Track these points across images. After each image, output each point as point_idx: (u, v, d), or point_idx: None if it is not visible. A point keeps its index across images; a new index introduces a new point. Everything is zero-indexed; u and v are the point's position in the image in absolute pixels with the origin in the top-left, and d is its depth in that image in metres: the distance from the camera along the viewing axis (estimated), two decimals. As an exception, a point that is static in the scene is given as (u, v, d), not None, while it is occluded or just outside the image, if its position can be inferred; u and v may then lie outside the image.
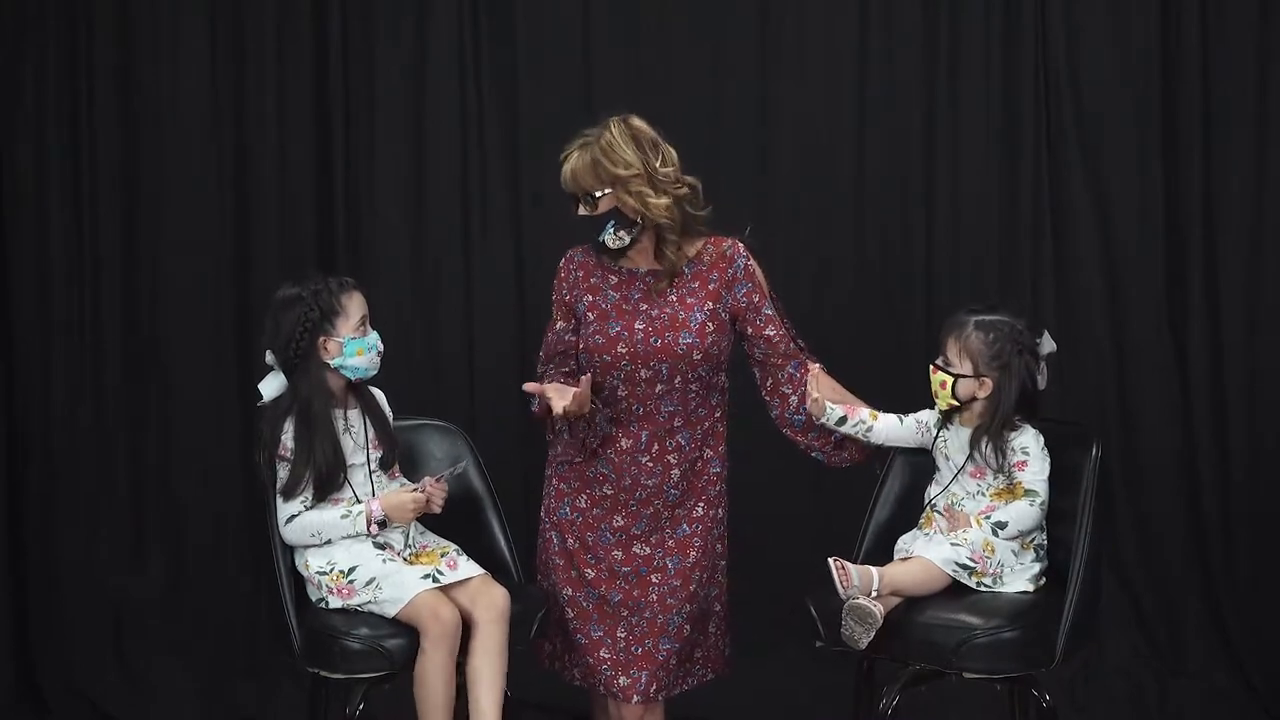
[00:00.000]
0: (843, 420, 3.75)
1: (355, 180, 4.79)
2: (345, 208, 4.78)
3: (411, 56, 4.76)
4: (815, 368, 3.74)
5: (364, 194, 4.79)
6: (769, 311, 3.81)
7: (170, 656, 4.74)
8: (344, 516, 3.68)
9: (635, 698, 3.75)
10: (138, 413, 4.76)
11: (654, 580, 3.78)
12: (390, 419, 3.84)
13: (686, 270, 3.79)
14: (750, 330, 3.81)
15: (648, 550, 3.79)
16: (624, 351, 3.73)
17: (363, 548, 3.69)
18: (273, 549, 3.72)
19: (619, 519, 3.80)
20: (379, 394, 3.85)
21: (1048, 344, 3.72)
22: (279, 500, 3.70)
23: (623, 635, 3.77)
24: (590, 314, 3.78)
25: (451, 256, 4.81)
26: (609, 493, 3.79)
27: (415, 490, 3.71)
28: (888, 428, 3.79)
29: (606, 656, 3.77)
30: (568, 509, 3.83)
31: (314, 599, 3.71)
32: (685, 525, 3.81)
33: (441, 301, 4.82)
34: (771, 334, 3.80)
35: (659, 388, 3.75)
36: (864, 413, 3.78)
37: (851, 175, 4.77)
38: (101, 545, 4.74)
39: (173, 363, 4.76)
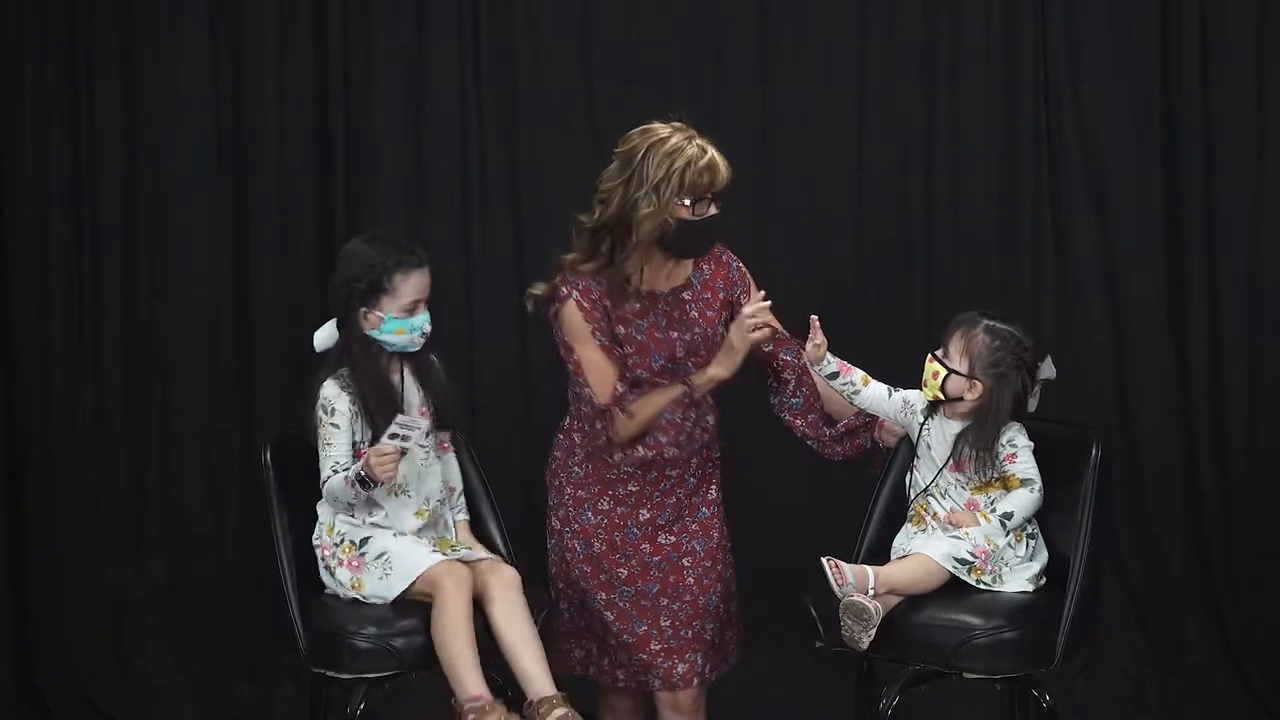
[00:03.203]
0: (834, 375, 3.75)
1: (355, 180, 4.78)
2: (345, 208, 4.78)
3: (411, 56, 4.76)
4: (815, 318, 3.70)
5: (364, 194, 4.79)
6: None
7: (170, 656, 4.74)
8: (345, 479, 3.65)
9: (695, 680, 3.78)
10: (138, 413, 4.76)
11: (686, 564, 3.80)
12: (445, 388, 3.82)
13: (695, 281, 3.80)
14: None
15: (673, 538, 3.81)
16: (668, 376, 3.76)
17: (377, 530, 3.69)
18: (276, 548, 3.72)
19: (645, 513, 3.80)
20: (436, 362, 3.83)
21: (1048, 368, 3.72)
22: (320, 462, 3.68)
23: (667, 624, 3.78)
24: (627, 346, 3.76)
25: (452, 257, 4.80)
26: (634, 489, 3.79)
27: (383, 445, 3.61)
28: (875, 397, 3.78)
29: (658, 649, 3.78)
30: (590, 513, 3.82)
31: (321, 566, 3.70)
32: (704, 508, 3.84)
33: (441, 302, 4.80)
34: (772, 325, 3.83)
35: None
36: (856, 375, 3.77)
37: (851, 175, 4.77)
38: (101, 545, 4.74)
39: (173, 363, 4.75)
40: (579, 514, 3.82)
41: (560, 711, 3.47)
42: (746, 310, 3.68)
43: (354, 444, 3.70)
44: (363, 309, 3.69)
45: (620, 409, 3.71)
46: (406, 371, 3.79)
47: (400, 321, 3.70)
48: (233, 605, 4.75)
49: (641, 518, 3.80)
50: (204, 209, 4.72)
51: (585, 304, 3.72)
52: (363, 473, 3.61)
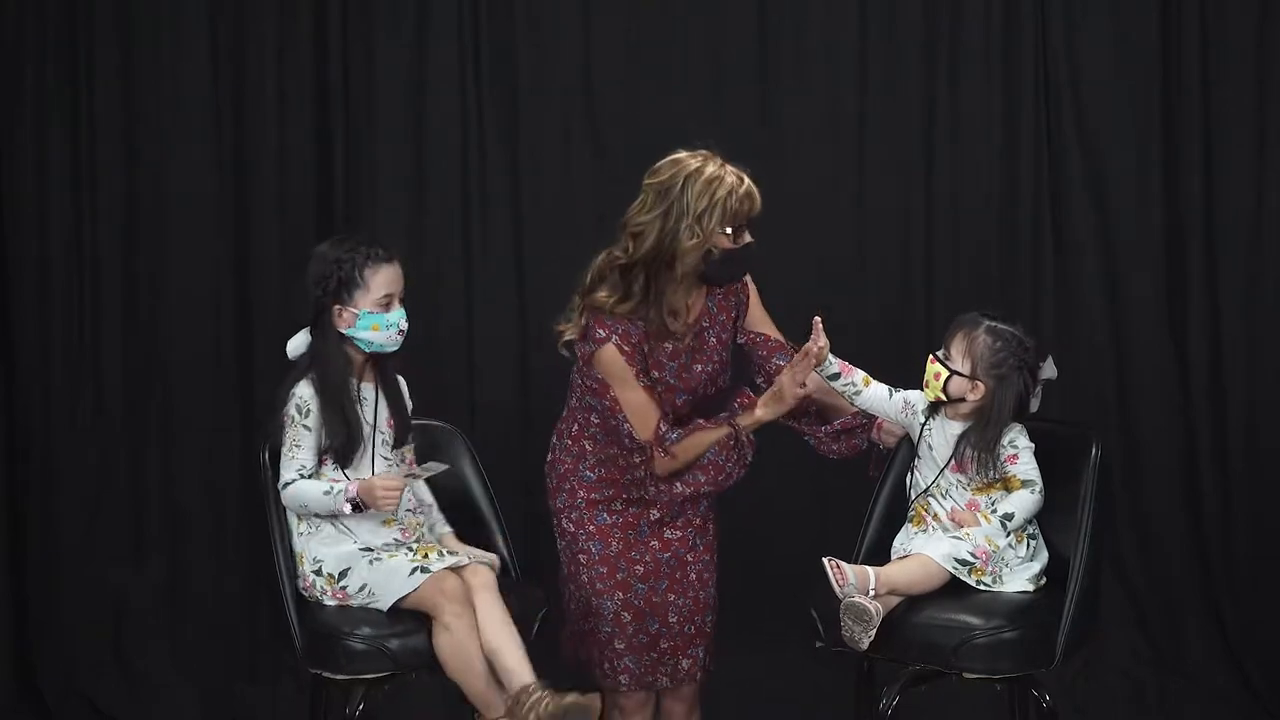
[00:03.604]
0: (835, 376, 3.74)
1: (355, 180, 4.78)
2: (345, 207, 4.78)
3: (411, 56, 4.76)
4: (818, 320, 3.69)
5: (364, 194, 4.79)
6: (759, 311, 3.87)
7: (170, 657, 4.74)
8: (326, 493, 3.63)
9: (699, 674, 3.83)
10: (138, 412, 4.76)
11: (690, 559, 3.83)
12: (409, 407, 3.81)
13: (711, 306, 3.80)
14: (747, 338, 3.86)
15: (679, 534, 3.82)
16: (688, 407, 3.79)
17: (351, 549, 3.67)
18: (273, 549, 3.71)
19: (655, 512, 3.81)
20: (402, 381, 3.82)
21: (1049, 369, 3.72)
22: (281, 463, 3.66)
23: (674, 620, 3.81)
24: (658, 387, 3.76)
25: (452, 257, 4.80)
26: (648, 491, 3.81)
27: (394, 480, 3.64)
28: (876, 398, 3.78)
29: (666, 646, 3.81)
30: (605, 514, 3.82)
31: (307, 598, 3.69)
32: (703, 502, 3.86)
33: (441, 302, 4.81)
34: (767, 331, 3.87)
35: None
36: (858, 376, 3.77)
37: (851, 176, 4.77)
38: (101, 545, 4.74)
39: (173, 363, 4.75)
40: (594, 515, 3.82)
41: (535, 697, 3.47)
42: (799, 363, 3.68)
43: (320, 449, 3.68)
44: (336, 306, 3.68)
45: (663, 449, 3.72)
46: (373, 380, 3.76)
47: (376, 317, 3.68)
48: (233, 605, 4.75)
49: (652, 517, 3.81)
50: (204, 209, 4.72)
51: (626, 348, 3.68)
52: (359, 499, 3.61)
